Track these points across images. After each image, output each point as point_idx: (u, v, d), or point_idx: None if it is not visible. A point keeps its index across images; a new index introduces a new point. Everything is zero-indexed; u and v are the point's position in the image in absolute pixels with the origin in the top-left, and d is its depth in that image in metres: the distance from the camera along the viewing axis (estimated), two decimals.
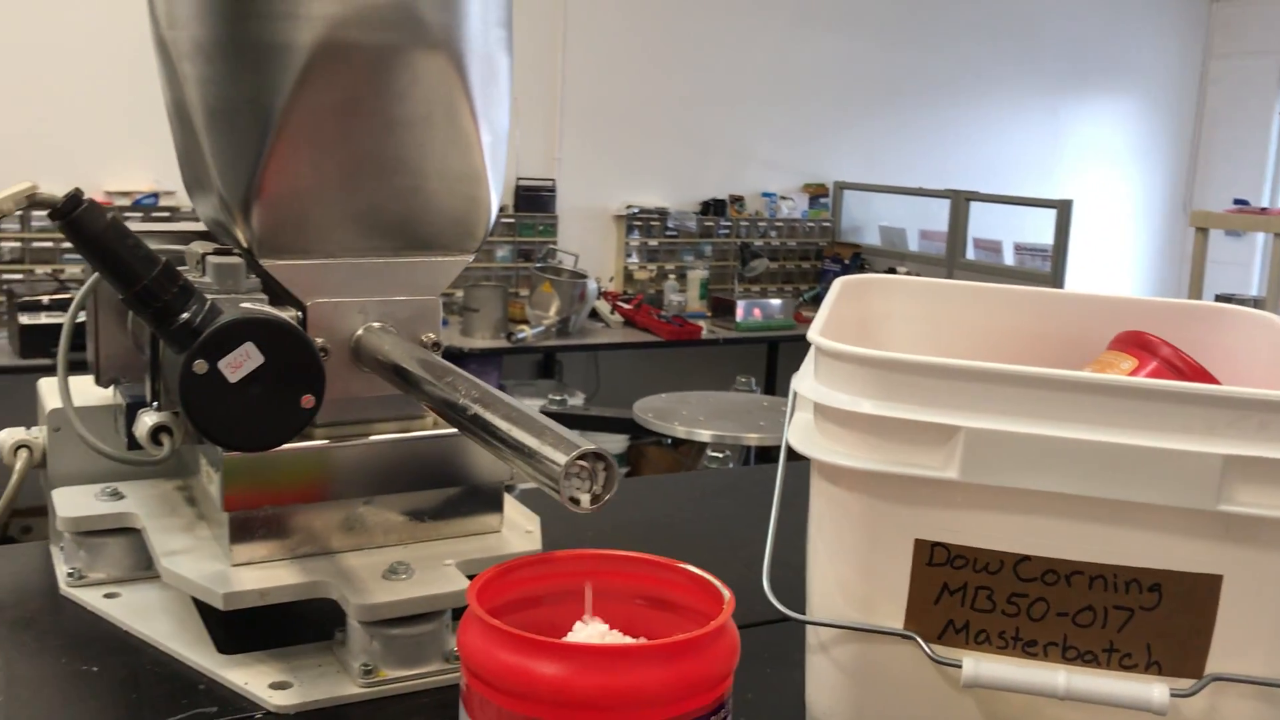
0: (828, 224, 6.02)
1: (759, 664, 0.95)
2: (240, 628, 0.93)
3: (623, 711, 0.58)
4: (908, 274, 4.28)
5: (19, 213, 0.78)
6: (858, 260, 5.75)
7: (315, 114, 0.87)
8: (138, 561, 1.02)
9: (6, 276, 4.09)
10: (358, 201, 0.91)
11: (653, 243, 5.59)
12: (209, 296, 0.81)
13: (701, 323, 5.07)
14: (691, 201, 5.71)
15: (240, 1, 0.86)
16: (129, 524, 1.01)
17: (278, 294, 0.92)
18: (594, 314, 5.06)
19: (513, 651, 0.59)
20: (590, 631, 0.64)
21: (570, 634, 0.65)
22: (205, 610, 0.94)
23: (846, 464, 0.75)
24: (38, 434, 1.08)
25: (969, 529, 0.74)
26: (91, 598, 0.99)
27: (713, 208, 5.75)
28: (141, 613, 0.97)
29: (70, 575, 1.01)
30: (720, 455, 3.05)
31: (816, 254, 5.94)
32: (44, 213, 0.76)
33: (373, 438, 0.94)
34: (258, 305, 0.83)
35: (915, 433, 0.73)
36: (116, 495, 1.04)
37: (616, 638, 0.65)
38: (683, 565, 0.66)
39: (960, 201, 5.31)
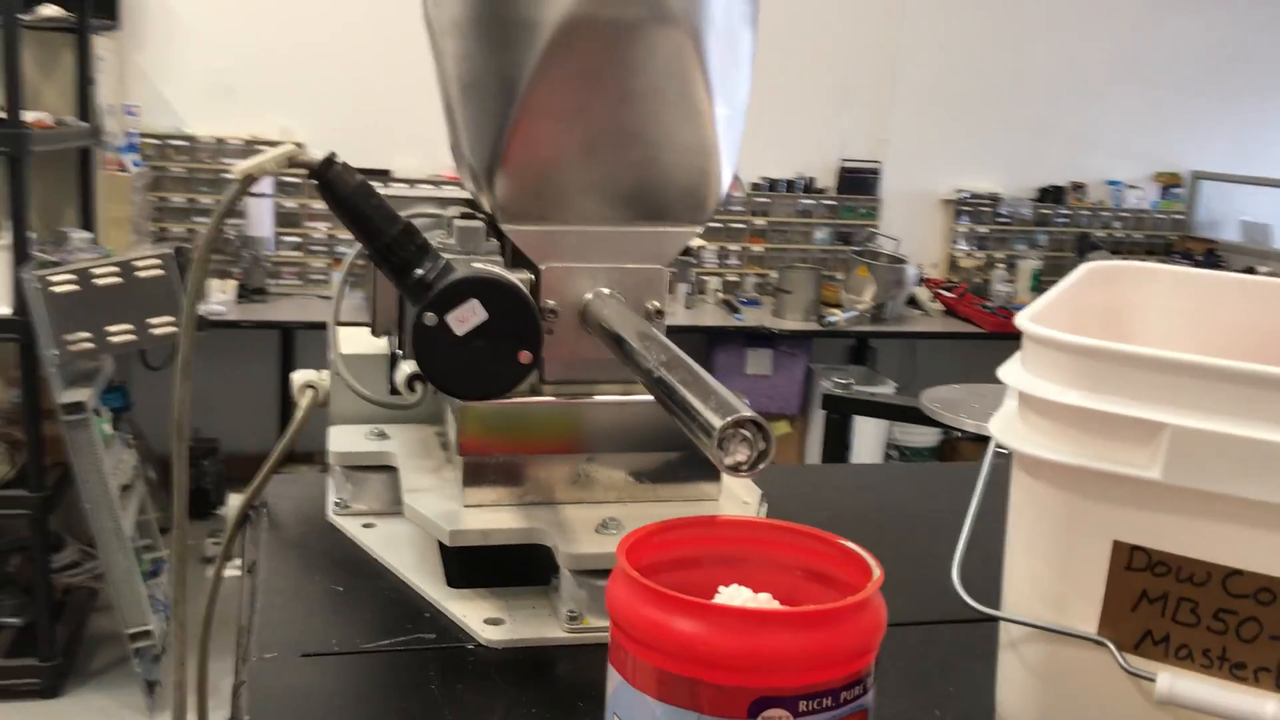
0: (1180, 216, 5.59)
1: (965, 659, 0.92)
2: (472, 567, 1.01)
3: (753, 673, 0.59)
4: (1269, 274, 3.90)
5: None
6: (1212, 257, 5.30)
7: (556, 87, 0.92)
8: (394, 497, 1.11)
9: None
10: (593, 172, 0.95)
11: (982, 229, 5.39)
12: (445, 256, 0.88)
13: None
14: (1027, 188, 5.46)
15: None
16: (388, 462, 1.11)
17: (516, 257, 0.97)
18: (913, 301, 4.94)
19: (651, 605, 0.60)
20: (736, 595, 0.65)
21: (716, 596, 0.66)
22: (446, 547, 1.02)
23: (1045, 456, 0.72)
24: (324, 376, 1.20)
25: (1173, 535, 0.69)
26: (351, 526, 1.09)
27: (1050, 195, 5.47)
28: (390, 543, 1.06)
29: (336, 505, 1.12)
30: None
31: (1165, 248, 5.52)
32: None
33: (597, 398, 0.99)
34: (487, 265, 0.89)
35: (1118, 427, 0.68)
36: (382, 436, 1.15)
37: (764, 603, 0.65)
38: (838, 539, 0.66)
39: None
